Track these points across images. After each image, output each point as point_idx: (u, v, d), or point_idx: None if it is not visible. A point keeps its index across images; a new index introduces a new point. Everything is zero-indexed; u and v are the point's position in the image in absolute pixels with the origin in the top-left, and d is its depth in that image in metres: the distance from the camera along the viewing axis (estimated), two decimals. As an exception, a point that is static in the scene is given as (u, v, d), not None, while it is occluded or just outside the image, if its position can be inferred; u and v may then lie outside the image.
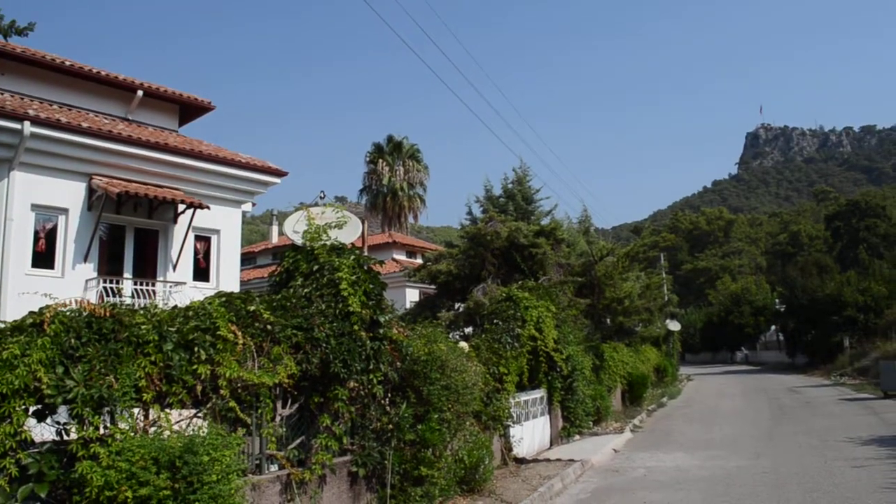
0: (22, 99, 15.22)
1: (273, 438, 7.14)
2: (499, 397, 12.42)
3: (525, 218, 25.36)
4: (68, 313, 5.69)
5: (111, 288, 14.69)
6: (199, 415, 6.38)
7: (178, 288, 15.47)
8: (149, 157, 15.66)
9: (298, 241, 8.98)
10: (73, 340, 5.54)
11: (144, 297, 14.75)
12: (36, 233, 14.38)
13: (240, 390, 6.64)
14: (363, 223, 11.90)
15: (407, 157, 50.30)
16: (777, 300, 59.77)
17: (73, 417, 5.40)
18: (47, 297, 6.09)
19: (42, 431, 5.52)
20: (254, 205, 19.13)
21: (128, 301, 13.94)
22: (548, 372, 15.52)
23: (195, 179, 16.70)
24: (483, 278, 19.93)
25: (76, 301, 5.90)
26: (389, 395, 9.00)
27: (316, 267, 8.45)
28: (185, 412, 6.33)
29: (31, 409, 5.32)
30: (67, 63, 16.51)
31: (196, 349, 6.28)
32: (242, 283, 21.55)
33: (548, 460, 13.44)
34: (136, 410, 5.83)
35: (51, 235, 14.61)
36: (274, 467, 7.31)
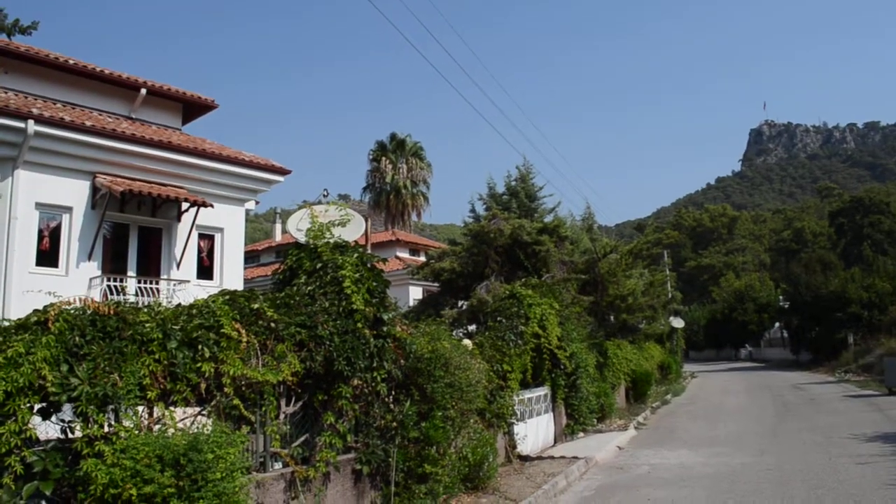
0: (26, 97, 15.24)
1: (277, 436, 7.14)
2: (502, 395, 12.42)
3: (528, 215, 25.30)
4: (73, 311, 5.69)
5: (115, 286, 14.71)
6: (204, 413, 6.39)
7: (181, 286, 15.48)
8: (152, 155, 15.67)
9: (302, 238, 8.98)
10: (77, 339, 5.54)
11: (148, 296, 14.77)
12: (40, 231, 14.41)
13: (244, 388, 6.64)
14: (366, 221, 11.89)
15: (410, 154, 50.29)
16: (781, 297, 59.62)
17: (77, 415, 5.41)
18: (51, 295, 6.09)
19: (47, 429, 5.53)
20: (257, 203, 19.16)
21: (132, 299, 13.93)
22: (551, 369, 15.52)
23: (199, 178, 16.71)
24: (486, 276, 19.92)
25: (80, 299, 5.91)
26: (393, 392, 8.99)
27: (319, 265, 8.45)
28: (190, 410, 6.33)
29: (36, 407, 5.31)
30: (71, 62, 16.51)
31: (200, 347, 6.28)
32: (246, 281, 21.58)
33: (552, 458, 13.43)
34: (140, 408, 5.83)
35: (55, 234, 14.64)
36: (278, 465, 7.31)
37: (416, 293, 32.34)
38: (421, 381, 9.12)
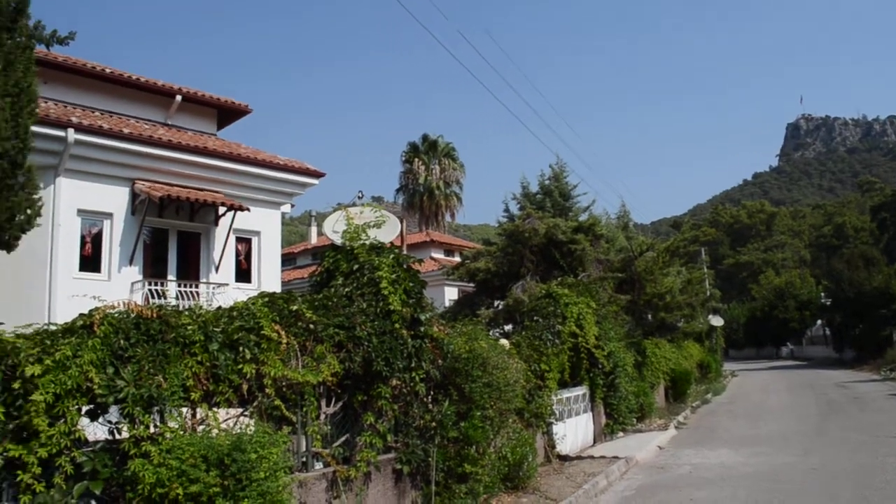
0: (65, 107, 15.56)
1: (318, 436, 7.19)
2: (541, 394, 12.36)
3: (563, 214, 25.15)
4: (117, 315, 5.78)
5: (156, 290, 14.95)
6: (246, 413, 6.46)
7: (220, 289, 15.68)
8: (189, 160, 15.89)
9: (338, 240, 9.04)
10: (122, 341, 5.64)
11: (188, 299, 14.98)
12: (82, 237, 14.69)
13: (285, 389, 6.70)
14: (402, 222, 11.93)
15: (442, 155, 50.34)
16: (822, 294, 58.60)
17: (124, 416, 5.50)
18: (96, 299, 6.20)
19: (95, 431, 5.63)
20: (292, 206, 19.29)
21: (172, 303, 14.16)
22: (589, 369, 15.42)
23: (235, 182, 16.90)
24: (522, 275, 19.86)
25: (124, 303, 6.01)
26: (432, 392, 9.00)
27: (356, 266, 8.49)
28: (232, 411, 6.41)
29: (84, 408, 5.42)
30: (108, 70, 16.82)
31: (241, 349, 6.36)
32: (283, 283, 21.78)
33: (592, 457, 13.34)
34: (184, 409, 5.92)
35: (97, 239, 14.91)
36: (319, 465, 7.36)
37: (451, 294, 32.35)
38: (459, 380, 9.11)
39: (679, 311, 29.34)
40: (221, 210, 16.23)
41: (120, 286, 14.48)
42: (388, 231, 9.57)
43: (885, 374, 33.71)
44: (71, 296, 12.42)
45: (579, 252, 20.23)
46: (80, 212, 14.62)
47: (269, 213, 17.88)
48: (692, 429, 18.55)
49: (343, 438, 7.65)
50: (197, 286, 15.81)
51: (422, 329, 8.72)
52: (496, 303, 20.95)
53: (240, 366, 6.29)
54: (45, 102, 15.27)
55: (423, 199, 48.82)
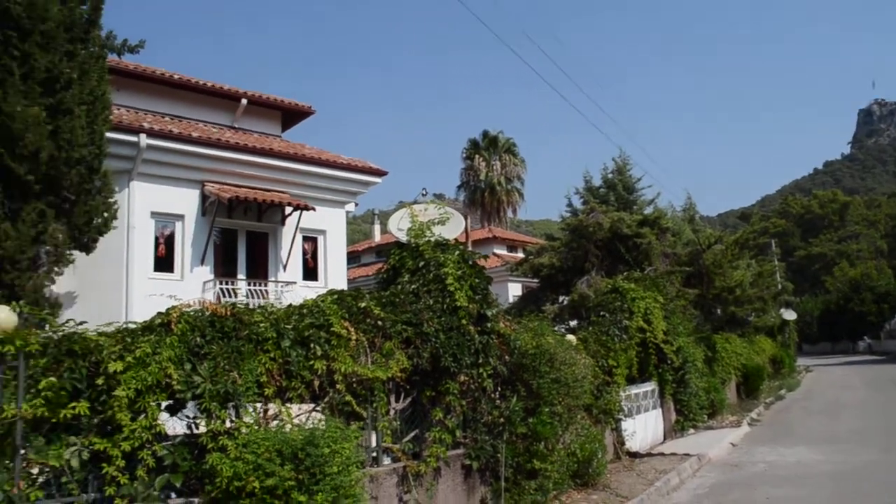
0: (136, 113, 16.06)
1: (388, 431, 7.26)
2: (609, 390, 12.22)
3: (627, 208, 24.82)
4: (193, 313, 5.95)
5: (227, 289, 15.32)
6: (317, 409, 6.56)
7: (288, 287, 15.97)
8: (256, 162, 16.22)
9: (403, 238, 9.10)
10: (198, 339, 5.80)
11: (257, 297, 15.30)
12: (156, 238, 15.15)
13: (355, 385, 6.79)
14: (466, 219, 11.94)
15: (503, 151, 50.14)
16: (901, 285, 56.26)
17: (201, 412, 5.65)
18: (172, 298, 6.38)
19: (174, 425, 5.80)
20: (356, 205, 19.52)
21: (242, 301, 14.48)
22: (658, 364, 15.17)
23: (300, 182, 17.18)
24: (587, 270, 19.69)
25: (199, 301, 6.17)
26: (499, 388, 8.99)
27: (422, 263, 8.54)
28: (304, 406, 6.52)
29: (164, 403, 5.59)
30: (176, 76, 17.31)
31: (312, 345, 6.47)
32: (348, 281, 22.04)
33: (662, 454, 13.12)
34: (257, 405, 6.05)
35: (169, 241, 15.36)
36: (387, 460, 7.43)
37: (514, 290, 32.28)
38: (526, 376, 9.07)
39: (750, 305, 28.60)
40: (288, 210, 16.52)
41: (192, 285, 14.89)
42: (453, 228, 9.58)
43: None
44: (147, 295, 12.83)
45: (645, 246, 19.94)
46: (154, 214, 15.07)
47: (333, 211, 18.12)
48: (766, 425, 18.06)
49: (412, 434, 7.71)
50: (266, 285, 16.14)
51: (488, 325, 8.71)
52: (561, 298, 20.82)
53: (311, 362, 6.39)
54: (118, 109, 15.80)
55: (484, 196, 48.72)
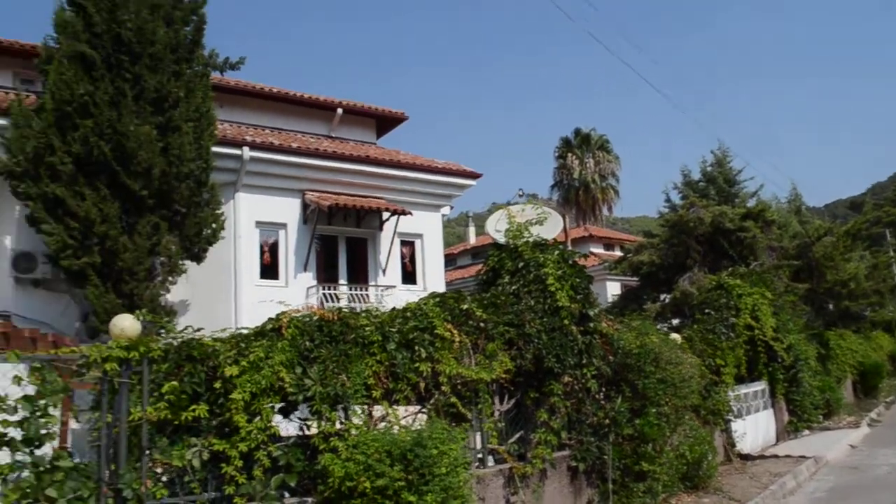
0: (239, 127, 16.70)
1: (493, 433, 7.26)
2: (717, 390, 11.85)
3: (728, 201, 23.99)
4: (301, 319, 6.12)
5: (329, 294, 15.70)
6: (423, 410, 6.64)
7: (388, 291, 16.22)
8: (353, 170, 16.57)
9: (501, 239, 9.10)
10: (307, 343, 5.97)
11: (359, 302, 15.60)
12: (261, 247, 15.68)
13: (459, 386, 6.83)
14: (564, 218, 11.83)
15: (596, 148, 49.38)
16: None
17: (312, 414, 5.82)
18: (282, 304, 6.58)
19: (286, 427, 5.98)
20: (451, 207, 19.65)
21: (344, 305, 14.81)
22: (768, 363, 14.60)
23: (396, 188, 17.43)
24: (688, 267, 19.12)
25: (306, 307, 6.35)
26: (603, 389, 8.85)
27: (521, 264, 8.51)
28: (410, 408, 6.60)
29: (276, 406, 5.78)
30: (274, 90, 17.92)
31: (416, 348, 6.55)
32: (446, 283, 22.23)
33: (776, 456, 12.61)
34: (365, 406, 6.18)
35: (273, 249, 15.87)
36: (492, 461, 7.43)
37: (613, 289, 31.69)
38: (631, 376, 8.90)
39: (865, 300, 27.07)
40: (385, 215, 16.79)
41: (296, 291, 15.33)
42: (551, 228, 9.50)
43: None
44: (258, 301, 13.29)
45: (749, 240, 19.20)
46: (258, 223, 15.61)
47: (429, 215, 18.29)
48: (887, 426, 17.09)
49: (517, 435, 7.69)
50: (366, 289, 16.44)
51: (591, 325, 8.61)
52: (662, 296, 20.30)
53: (416, 364, 6.48)
54: (222, 124, 16.47)
55: (578, 194, 48.11)
